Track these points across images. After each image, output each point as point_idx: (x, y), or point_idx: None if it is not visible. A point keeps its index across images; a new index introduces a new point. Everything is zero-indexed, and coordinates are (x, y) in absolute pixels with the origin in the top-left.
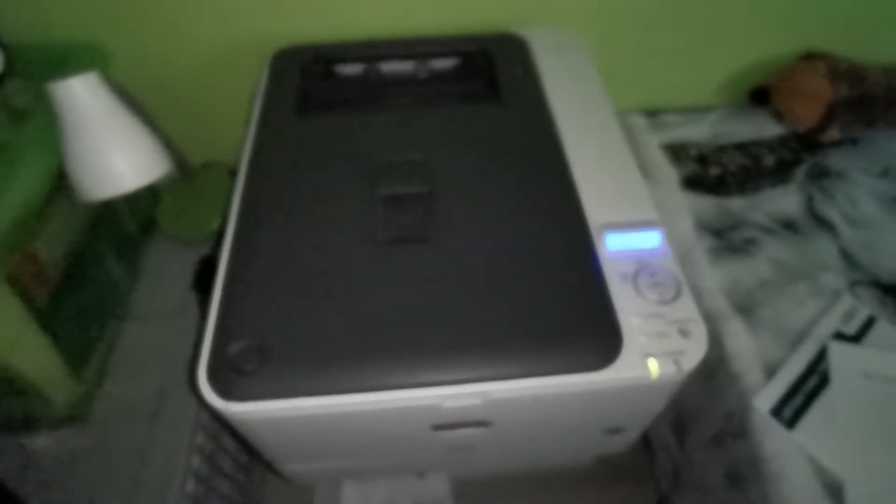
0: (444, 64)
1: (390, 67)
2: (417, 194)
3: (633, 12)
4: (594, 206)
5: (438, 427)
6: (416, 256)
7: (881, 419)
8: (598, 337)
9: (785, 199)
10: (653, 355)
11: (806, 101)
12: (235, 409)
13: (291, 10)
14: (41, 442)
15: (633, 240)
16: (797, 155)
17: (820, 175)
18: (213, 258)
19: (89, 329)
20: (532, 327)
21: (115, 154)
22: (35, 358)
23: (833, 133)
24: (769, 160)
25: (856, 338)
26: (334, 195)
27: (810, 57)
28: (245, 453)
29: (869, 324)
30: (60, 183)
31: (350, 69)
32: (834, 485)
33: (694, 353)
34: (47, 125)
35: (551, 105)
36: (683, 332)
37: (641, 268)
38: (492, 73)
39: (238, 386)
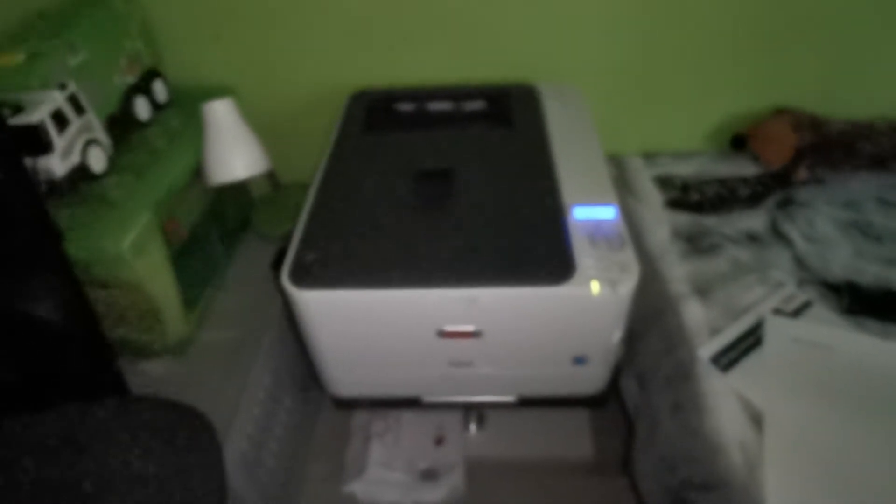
0: (474, 105)
1: (435, 106)
2: (441, 173)
3: (627, 72)
4: (570, 192)
5: (442, 334)
6: (437, 212)
7: (800, 369)
8: (559, 264)
9: (752, 220)
10: (596, 280)
11: (776, 145)
12: (304, 295)
13: (364, 65)
14: (151, 367)
15: (593, 211)
16: (769, 189)
17: (786, 204)
18: (286, 248)
19: (197, 285)
20: (514, 257)
21: (234, 153)
22: (165, 291)
23: (801, 173)
24: (744, 192)
25: (792, 315)
26: (383, 178)
27: (780, 112)
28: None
29: (805, 306)
30: (195, 177)
31: (405, 106)
32: (756, 416)
33: (627, 282)
34: (191, 138)
35: (549, 132)
36: (622, 269)
37: (597, 229)
38: (508, 110)
39: (307, 280)
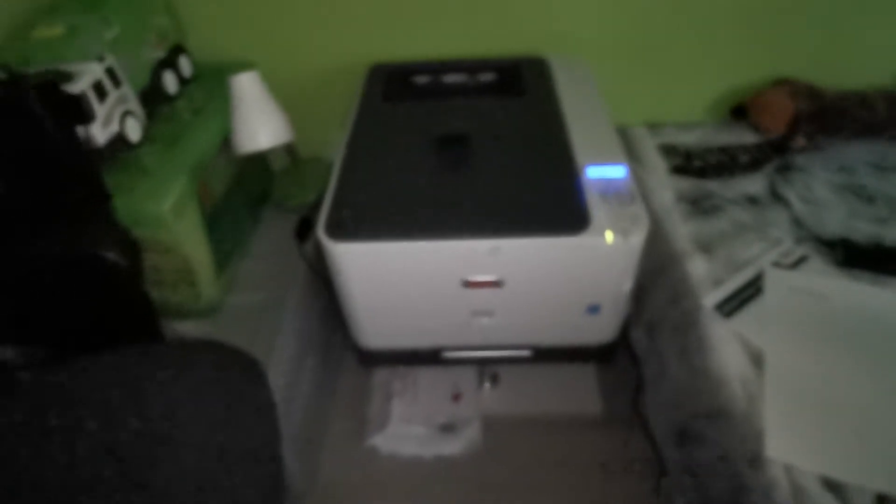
0: (487, 76)
1: (449, 78)
2: (460, 137)
3: (632, 45)
4: (582, 153)
5: (466, 284)
6: (457, 173)
7: (798, 315)
8: (575, 216)
9: (752, 184)
10: (609, 230)
11: (774, 114)
12: (339, 248)
13: (381, 39)
14: (183, 327)
15: (605, 170)
16: (768, 156)
17: (785, 169)
18: (309, 218)
19: (225, 251)
20: (533, 211)
21: (259, 124)
22: (199, 254)
23: (800, 141)
24: (744, 159)
25: (790, 268)
26: (405, 143)
27: (778, 82)
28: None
29: (802, 259)
30: (222, 148)
31: (422, 78)
32: (756, 356)
33: (638, 232)
34: (215, 111)
35: (560, 100)
36: (633, 220)
37: (609, 186)
38: (520, 81)
39: (341, 234)
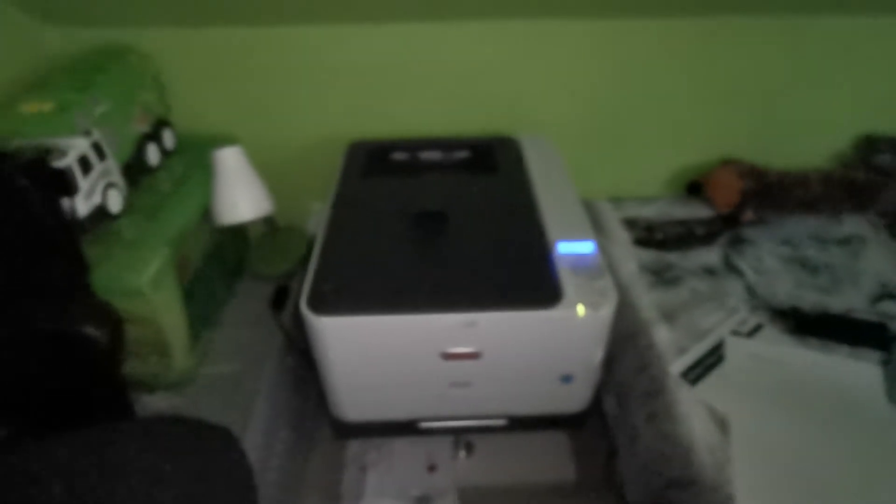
0: (461, 154)
1: (426, 155)
2: (436, 215)
3: (595, 126)
4: (553, 229)
5: (445, 355)
6: (436, 248)
7: (758, 381)
8: (549, 291)
9: (708, 255)
10: (581, 303)
11: (725, 191)
12: (322, 321)
13: (362, 118)
14: (153, 401)
15: (574, 246)
16: (721, 229)
17: (737, 242)
18: (285, 287)
19: (200, 321)
20: (508, 285)
21: (241, 196)
22: (176, 326)
23: (748, 215)
24: (700, 231)
25: (747, 336)
26: (385, 218)
27: (726, 162)
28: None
29: (758, 328)
30: (201, 219)
31: (399, 155)
32: (721, 422)
33: (607, 305)
34: (196, 183)
35: (531, 177)
36: (602, 294)
37: (578, 261)
38: (493, 159)
39: (324, 307)
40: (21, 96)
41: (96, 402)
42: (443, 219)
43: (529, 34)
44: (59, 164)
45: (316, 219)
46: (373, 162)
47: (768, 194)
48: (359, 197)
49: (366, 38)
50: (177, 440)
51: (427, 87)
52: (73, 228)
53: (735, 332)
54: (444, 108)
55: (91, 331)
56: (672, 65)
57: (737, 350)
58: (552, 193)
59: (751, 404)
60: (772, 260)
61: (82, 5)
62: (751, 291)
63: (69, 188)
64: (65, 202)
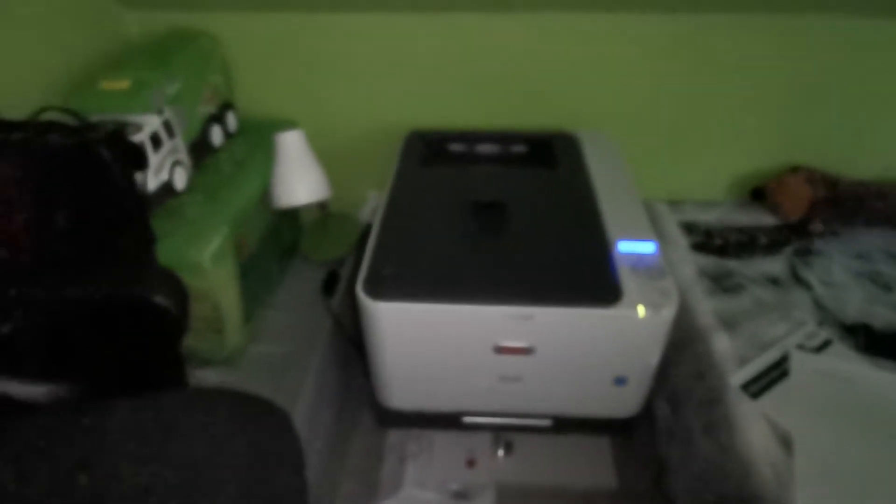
0: (519, 148)
1: (483, 148)
2: (496, 204)
3: (658, 125)
4: (613, 227)
5: (498, 349)
6: (493, 239)
7: (825, 399)
8: (608, 289)
9: (772, 265)
10: (641, 303)
11: (793, 199)
12: (377, 306)
13: (420, 108)
14: (205, 375)
15: (635, 246)
16: (787, 238)
17: (804, 253)
18: (336, 273)
19: (253, 300)
20: (566, 280)
21: (300, 180)
22: (231, 302)
23: (817, 226)
24: (763, 240)
25: (814, 351)
26: (442, 207)
27: (795, 168)
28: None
29: (826, 344)
30: (260, 200)
31: (457, 146)
32: (784, 438)
33: (669, 306)
34: (255, 165)
35: (590, 174)
36: (663, 295)
37: (639, 261)
38: (552, 153)
39: (380, 292)
40: (101, 74)
41: (156, 371)
42: (501, 210)
43: (595, 29)
44: (134, 138)
45: (369, 206)
46: (430, 152)
47: (840, 205)
48: (417, 185)
49: (427, 28)
50: (237, 413)
51: (486, 80)
52: (145, 202)
53: (801, 347)
54: (503, 101)
55: (161, 300)
56: (744, 64)
57: (803, 365)
58: (612, 191)
59: (816, 422)
60: (842, 274)
61: None
62: (818, 305)
63: (142, 163)
64: (137, 176)
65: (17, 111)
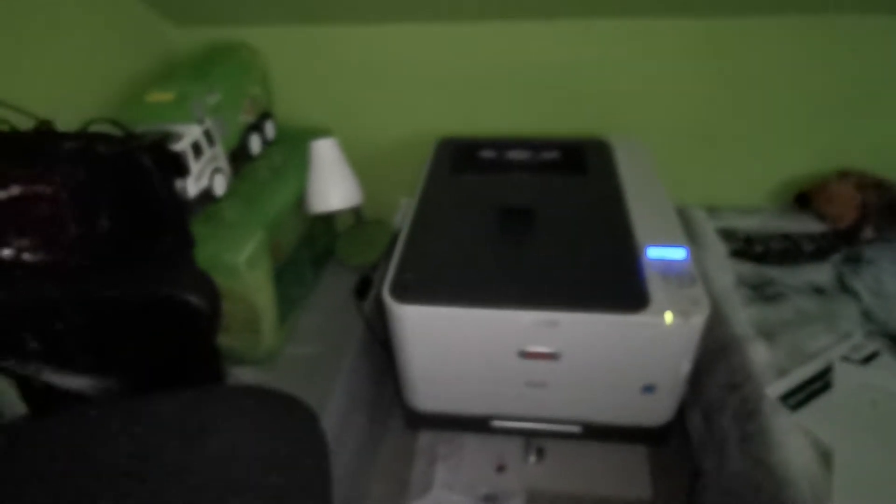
0: (550, 154)
1: (514, 154)
2: (524, 210)
3: (694, 130)
4: (643, 233)
5: (523, 354)
6: (521, 244)
7: (870, 414)
8: (635, 295)
9: (818, 273)
10: (669, 310)
11: (841, 205)
12: (403, 309)
13: (451, 116)
14: (241, 373)
15: (665, 252)
16: (834, 245)
17: (853, 260)
18: (369, 278)
19: (287, 302)
20: (593, 286)
21: (333, 186)
22: (266, 304)
23: (868, 233)
24: (809, 247)
25: (860, 363)
26: (471, 213)
27: (843, 173)
28: (368, 413)
29: (873, 356)
30: (295, 206)
31: (487, 153)
32: (824, 453)
33: (699, 314)
34: (292, 172)
35: (621, 180)
36: (693, 302)
37: (669, 268)
38: (582, 159)
39: (406, 296)
40: (148, 87)
41: (193, 366)
42: (529, 216)
43: (630, 33)
44: (175, 147)
45: (402, 213)
46: (461, 159)
47: (892, 211)
48: (446, 191)
49: (458, 37)
50: (265, 409)
51: (517, 87)
52: (184, 207)
53: (846, 358)
54: (534, 107)
55: (194, 299)
56: (787, 67)
57: (847, 377)
58: (643, 197)
59: (859, 437)
60: (893, 283)
61: (211, 9)
62: (867, 315)
63: (182, 170)
64: (177, 183)
65: (70, 124)
